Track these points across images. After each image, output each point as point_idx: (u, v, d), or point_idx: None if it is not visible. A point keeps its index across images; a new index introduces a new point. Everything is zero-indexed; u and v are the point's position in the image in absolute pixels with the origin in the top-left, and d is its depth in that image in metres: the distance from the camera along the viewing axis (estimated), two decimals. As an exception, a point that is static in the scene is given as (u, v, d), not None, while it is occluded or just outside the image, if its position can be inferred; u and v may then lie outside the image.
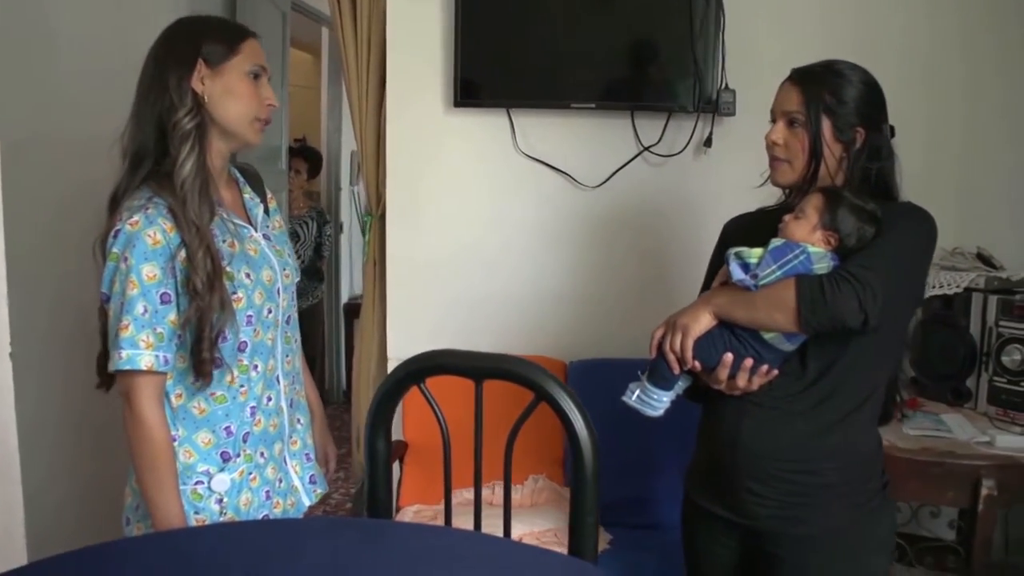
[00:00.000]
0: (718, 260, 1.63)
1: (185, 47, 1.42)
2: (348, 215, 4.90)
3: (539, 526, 2.24)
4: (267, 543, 1.11)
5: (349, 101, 2.75)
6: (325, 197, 4.73)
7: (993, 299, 2.10)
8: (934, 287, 2.20)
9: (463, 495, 2.45)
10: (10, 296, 2.11)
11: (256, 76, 1.46)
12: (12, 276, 2.10)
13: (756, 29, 2.39)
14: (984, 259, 2.24)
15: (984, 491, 1.65)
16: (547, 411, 2.55)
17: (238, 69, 1.44)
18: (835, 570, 1.43)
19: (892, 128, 1.49)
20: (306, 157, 4.06)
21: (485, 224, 2.56)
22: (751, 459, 1.44)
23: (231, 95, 1.44)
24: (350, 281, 4.96)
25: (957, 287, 2.17)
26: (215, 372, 1.41)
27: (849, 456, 1.43)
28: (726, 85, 2.38)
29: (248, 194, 1.59)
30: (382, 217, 2.77)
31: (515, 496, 2.40)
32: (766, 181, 1.55)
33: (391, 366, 2.66)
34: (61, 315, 2.52)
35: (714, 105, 2.37)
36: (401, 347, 2.62)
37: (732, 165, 2.38)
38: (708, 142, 2.44)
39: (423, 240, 2.58)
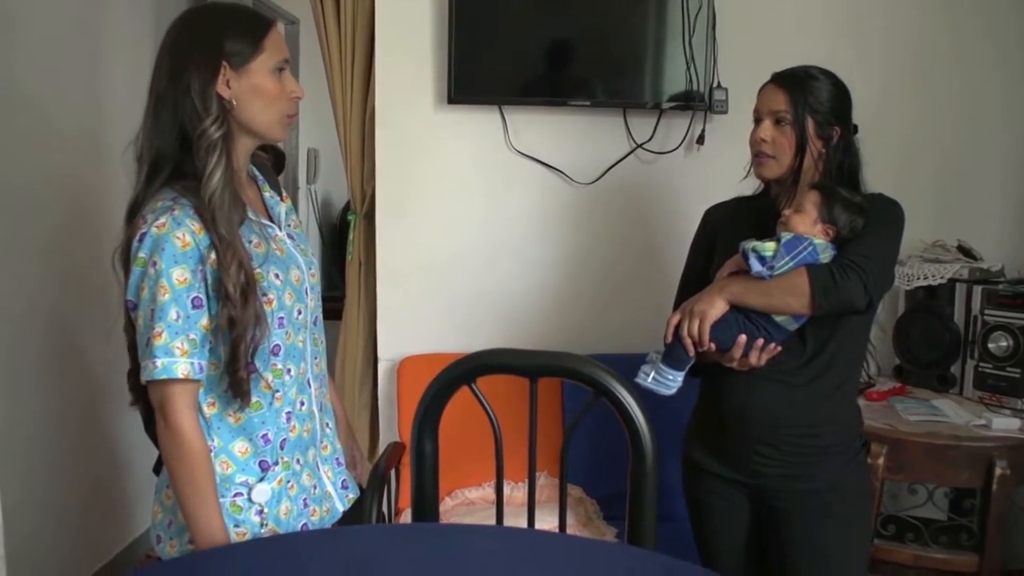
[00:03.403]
0: (702, 246, 1.80)
1: (207, 48, 1.33)
2: (305, 214, 4.80)
3: (547, 523, 2.23)
4: (341, 553, 1.08)
5: (331, 97, 2.69)
6: (281, 196, 4.62)
7: (978, 289, 2.21)
8: (919, 278, 2.30)
9: (465, 495, 2.43)
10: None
11: (280, 70, 1.39)
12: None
13: (748, 27, 2.44)
14: (964, 251, 2.35)
15: (998, 471, 1.75)
16: (543, 405, 2.55)
17: (264, 68, 1.36)
18: (835, 514, 1.61)
19: (855, 127, 1.67)
20: (270, 154, 3.95)
21: (478, 222, 2.54)
22: (761, 427, 1.60)
23: (258, 96, 1.36)
24: (307, 282, 4.85)
25: (941, 278, 2.27)
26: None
27: (841, 420, 1.64)
28: (718, 83, 2.42)
29: (268, 192, 1.54)
30: (367, 216, 2.72)
31: (518, 494, 2.40)
32: (749, 174, 1.71)
33: (382, 367, 2.62)
34: (31, 323, 2.41)
35: (706, 103, 2.41)
36: (392, 348, 2.58)
37: (724, 162, 2.39)
38: (701, 139, 2.48)
39: (414, 239, 2.54)
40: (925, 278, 2.29)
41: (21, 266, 2.35)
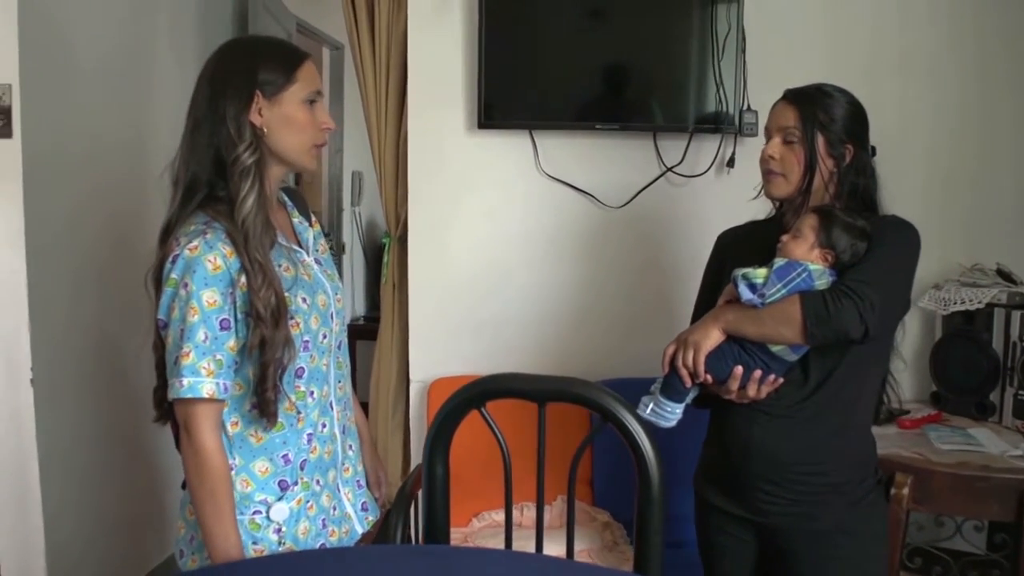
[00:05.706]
0: (713, 271, 1.75)
1: (242, 77, 1.39)
2: (350, 236, 4.89)
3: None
4: (345, 572, 1.10)
5: (367, 122, 2.75)
6: (327, 218, 4.73)
7: (1016, 314, 2.14)
8: (956, 303, 2.24)
9: (492, 517, 2.44)
10: (32, 322, 2.09)
11: (312, 101, 1.45)
12: (33, 302, 2.08)
13: (777, 49, 2.43)
14: (1004, 275, 2.29)
15: (1029, 504, 1.67)
16: (572, 430, 2.54)
17: (295, 98, 1.42)
18: (846, 559, 1.53)
19: (874, 148, 1.61)
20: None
21: (509, 245, 2.57)
22: (763, 463, 1.54)
23: (289, 125, 1.42)
24: (351, 302, 4.94)
25: (979, 303, 2.21)
26: None
27: (850, 456, 1.56)
28: (748, 106, 2.42)
29: (297, 218, 1.59)
30: (401, 239, 2.77)
31: (544, 517, 2.39)
32: (759, 194, 1.66)
33: (414, 388, 2.65)
34: (79, 342, 2.50)
35: (736, 125, 2.41)
36: (424, 369, 2.61)
37: (755, 185, 2.40)
38: (731, 162, 2.47)
39: (445, 262, 2.58)
40: (963, 303, 2.23)
41: (76, 288, 2.47)
